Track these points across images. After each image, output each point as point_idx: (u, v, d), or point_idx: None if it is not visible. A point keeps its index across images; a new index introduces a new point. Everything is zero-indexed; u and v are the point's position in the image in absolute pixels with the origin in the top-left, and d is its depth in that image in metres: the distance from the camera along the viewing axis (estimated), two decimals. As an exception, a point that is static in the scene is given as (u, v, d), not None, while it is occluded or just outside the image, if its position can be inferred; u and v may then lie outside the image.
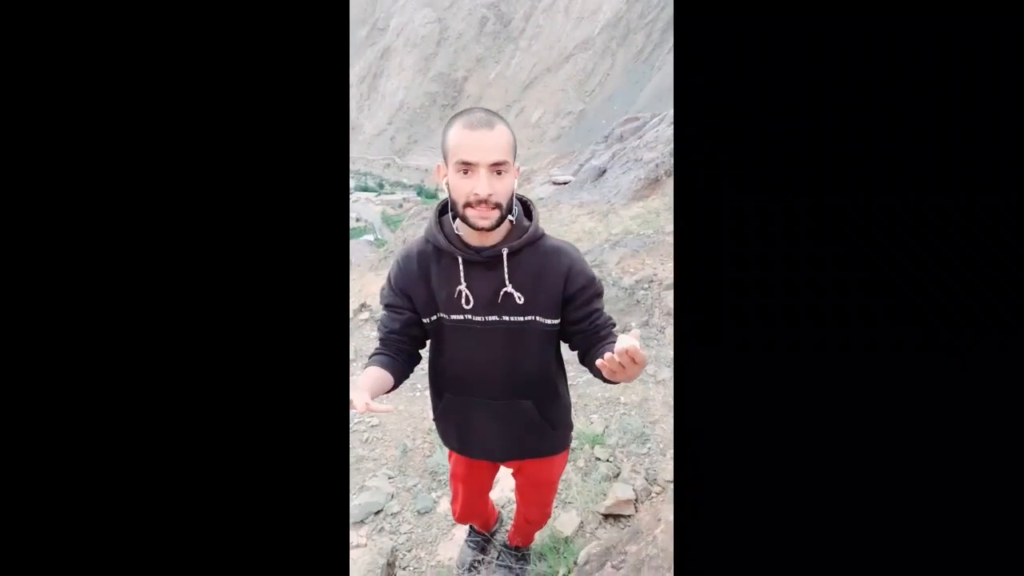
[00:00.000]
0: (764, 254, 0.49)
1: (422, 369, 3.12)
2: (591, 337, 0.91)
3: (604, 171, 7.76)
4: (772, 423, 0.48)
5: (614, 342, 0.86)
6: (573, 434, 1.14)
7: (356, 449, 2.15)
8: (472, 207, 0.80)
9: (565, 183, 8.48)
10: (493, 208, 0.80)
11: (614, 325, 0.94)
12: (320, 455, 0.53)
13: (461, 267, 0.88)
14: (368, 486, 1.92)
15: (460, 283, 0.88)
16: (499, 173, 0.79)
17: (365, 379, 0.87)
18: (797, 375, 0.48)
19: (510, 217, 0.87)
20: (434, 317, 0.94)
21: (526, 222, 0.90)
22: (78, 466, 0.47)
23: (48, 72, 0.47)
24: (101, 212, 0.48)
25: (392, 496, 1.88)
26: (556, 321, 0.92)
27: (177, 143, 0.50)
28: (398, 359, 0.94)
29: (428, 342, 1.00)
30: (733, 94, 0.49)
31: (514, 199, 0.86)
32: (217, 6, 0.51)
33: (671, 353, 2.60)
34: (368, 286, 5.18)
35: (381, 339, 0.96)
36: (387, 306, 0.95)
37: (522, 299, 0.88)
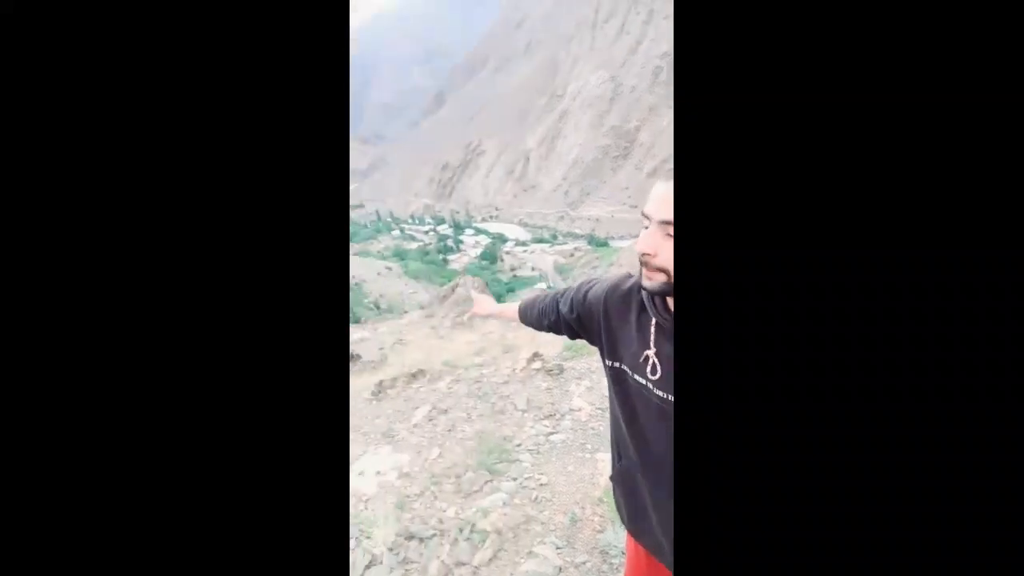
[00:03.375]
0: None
1: (592, 429, 2.96)
2: None
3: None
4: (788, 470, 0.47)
5: None
6: None
7: (525, 507, 2.09)
8: (643, 264, 0.69)
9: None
10: (655, 271, 0.68)
11: None
12: (318, 473, 0.50)
13: (652, 329, 0.76)
14: (536, 552, 1.82)
15: (649, 348, 0.76)
16: (670, 235, 0.65)
17: (502, 307, 1.15)
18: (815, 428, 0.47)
19: None
20: (616, 365, 0.84)
21: None
22: (69, 480, 0.46)
23: (43, 71, 0.47)
24: (97, 217, 0.48)
25: (560, 570, 1.74)
26: None
27: (169, 161, 0.49)
28: (538, 310, 1.03)
29: (608, 387, 0.90)
30: (734, 98, 0.48)
31: None
32: (217, 18, 0.49)
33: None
34: (540, 335, 5.31)
35: (552, 295, 1.02)
36: (572, 297, 0.95)
37: None
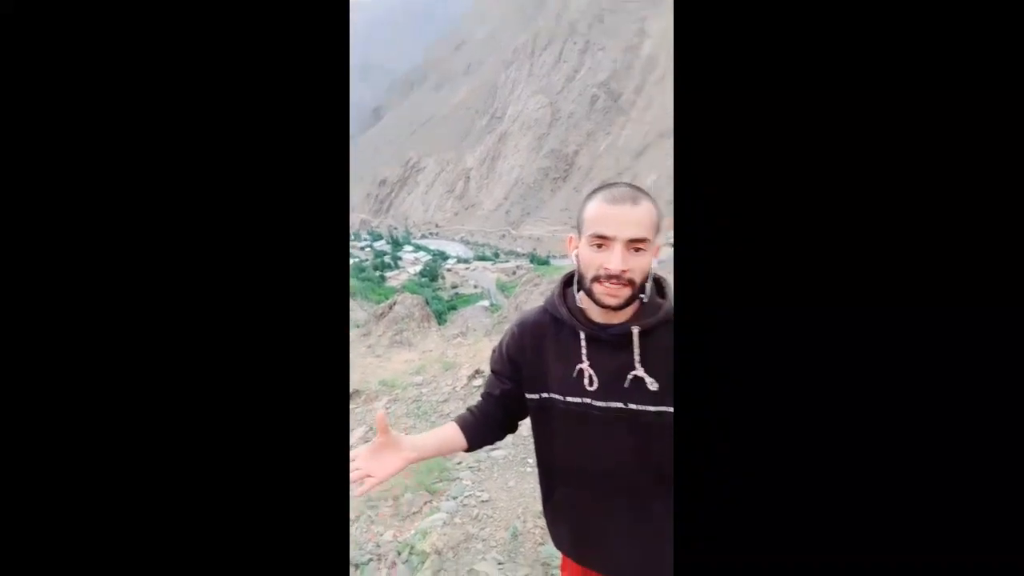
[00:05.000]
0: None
1: (533, 443, 2.98)
2: None
3: (726, 231, 7.22)
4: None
5: None
6: None
7: (466, 526, 2.06)
8: (600, 282, 0.74)
9: (682, 245, 8.05)
10: (625, 285, 0.74)
11: None
12: (317, 494, 0.50)
13: (583, 344, 0.80)
14: (477, 570, 1.79)
15: (582, 361, 0.80)
16: (637, 250, 0.74)
17: (426, 438, 0.87)
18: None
19: (642, 296, 0.78)
20: (543, 395, 0.85)
21: (659, 300, 0.81)
22: (64, 483, 0.47)
23: (43, 71, 0.47)
24: (97, 228, 0.48)
25: (501, 586, 1.73)
26: None
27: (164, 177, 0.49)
28: (484, 424, 0.92)
29: (529, 421, 0.91)
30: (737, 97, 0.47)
31: (650, 278, 0.78)
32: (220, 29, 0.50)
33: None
34: (482, 351, 5.30)
35: (481, 396, 0.94)
36: (493, 371, 0.93)
37: (656, 386, 0.77)
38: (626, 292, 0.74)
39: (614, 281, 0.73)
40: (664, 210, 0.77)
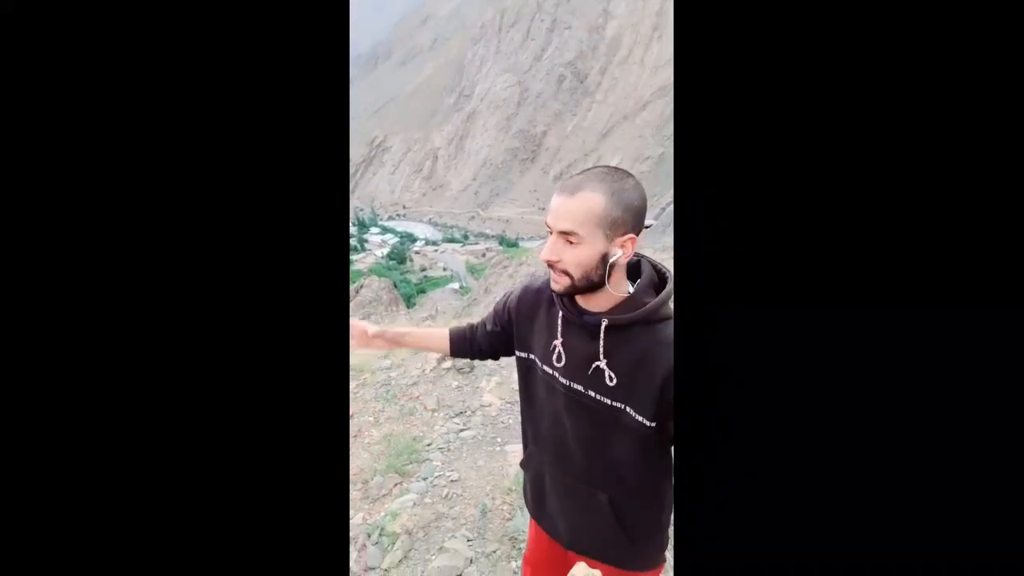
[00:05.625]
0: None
1: (501, 423, 3.03)
2: None
3: (689, 213, 7.42)
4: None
5: None
6: None
7: (436, 505, 2.09)
8: (550, 268, 0.78)
9: (647, 227, 8.24)
10: (561, 274, 0.76)
11: None
12: (317, 493, 0.50)
13: (560, 322, 0.84)
14: (447, 548, 1.83)
15: (556, 338, 0.84)
16: (569, 242, 0.73)
17: (418, 332, 1.06)
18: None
19: (629, 288, 0.79)
20: (529, 356, 0.91)
21: (647, 297, 0.78)
22: (60, 484, 0.47)
23: (43, 71, 0.48)
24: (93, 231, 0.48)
25: (471, 561, 1.77)
26: (653, 424, 0.76)
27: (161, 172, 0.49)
28: (472, 344, 1.02)
29: (517, 378, 0.97)
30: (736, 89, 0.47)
31: (604, 268, 0.75)
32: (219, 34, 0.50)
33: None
34: (451, 334, 5.29)
35: (481, 321, 1.03)
36: (495, 311, 1.01)
37: (614, 381, 0.78)
38: (565, 281, 0.75)
39: (553, 269, 0.76)
40: (648, 201, 0.78)
